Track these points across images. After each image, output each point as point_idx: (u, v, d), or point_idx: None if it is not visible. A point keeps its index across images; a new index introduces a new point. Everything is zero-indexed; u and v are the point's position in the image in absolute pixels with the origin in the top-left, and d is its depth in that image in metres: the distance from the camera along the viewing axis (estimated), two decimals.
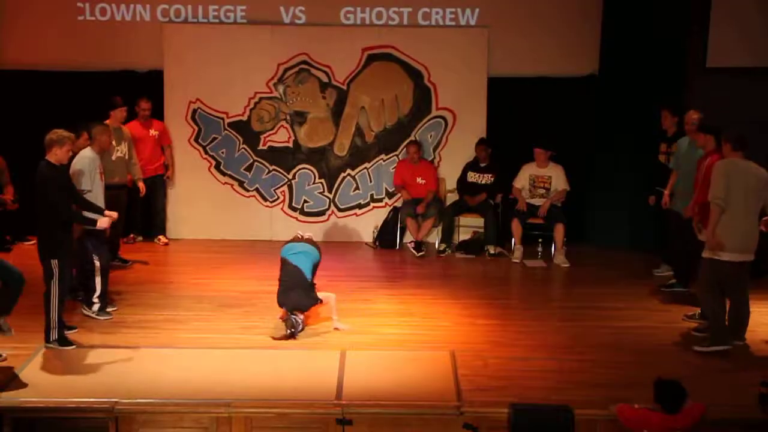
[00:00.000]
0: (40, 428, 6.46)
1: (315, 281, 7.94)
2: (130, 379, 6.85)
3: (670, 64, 10.57)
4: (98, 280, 8.11)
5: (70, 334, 7.61)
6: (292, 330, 7.65)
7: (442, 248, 10.76)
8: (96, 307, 8.15)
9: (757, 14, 10.58)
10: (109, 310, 8.33)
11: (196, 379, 6.90)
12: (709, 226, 7.41)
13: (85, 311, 8.16)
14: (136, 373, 6.98)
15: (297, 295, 7.74)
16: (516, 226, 10.45)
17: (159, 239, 10.94)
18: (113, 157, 9.64)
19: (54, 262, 7.31)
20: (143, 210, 10.86)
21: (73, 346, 7.46)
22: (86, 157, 8.14)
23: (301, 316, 7.78)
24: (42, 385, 6.76)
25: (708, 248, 7.47)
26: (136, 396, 6.55)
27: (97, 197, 8.09)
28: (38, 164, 7.37)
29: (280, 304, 7.83)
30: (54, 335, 7.41)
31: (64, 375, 6.97)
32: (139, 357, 7.32)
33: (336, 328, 7.90)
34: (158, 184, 10.85)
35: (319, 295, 7.85)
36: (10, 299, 7.13)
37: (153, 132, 10.69)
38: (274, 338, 7.67)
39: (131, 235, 10.86)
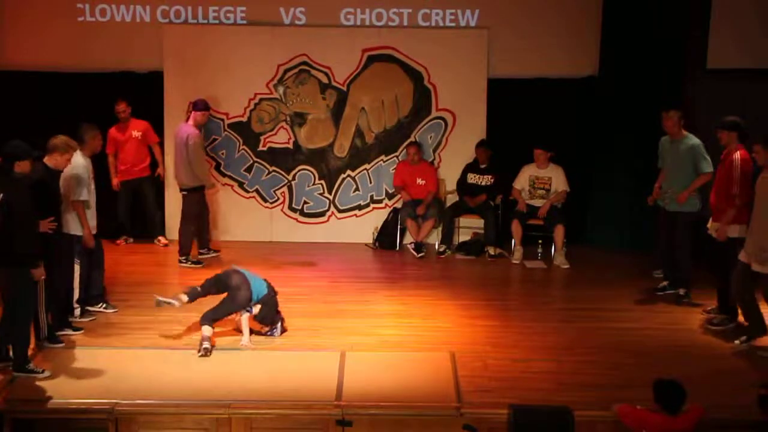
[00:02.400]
0: (40, 429, 6.47)
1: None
2: (130, 380, 6.85)
3: (669, 66, 10.57)
4: (76, 286, 8.06)
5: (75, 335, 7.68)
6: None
7: (442, 249, 10.76)
8: (77, 311, 8.12)
9: (756, 16, 10.57)
10: (109, 311, 8.35)
11: (196, 380, 6.90)
12: None
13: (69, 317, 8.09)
14: (136, 373, 6.99)
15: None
16: (516, 227, 10.45)
17: (159, 240, 10.93)
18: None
19: (40, 261, 7.26)
20: (134, 212, 10.87)
21: (62, 344, 7.49)
22: (80, 164, 7.92)
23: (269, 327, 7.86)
24: (42, 385, 6.76)
25: None
26: (135, 397, 6.56)
27: (91, 205, 8.05)
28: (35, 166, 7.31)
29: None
30: (44, 333, 7.44)
31: (64, 375, 6.97)
32: (139, 358, 7.32)
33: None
34: (147, 185, 10.84)
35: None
36: None
37: (135, 133, 10.67)
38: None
39: (123, 238, 10.87)
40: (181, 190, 10.12)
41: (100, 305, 8.37)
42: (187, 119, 10.21)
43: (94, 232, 8.09)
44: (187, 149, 9.87)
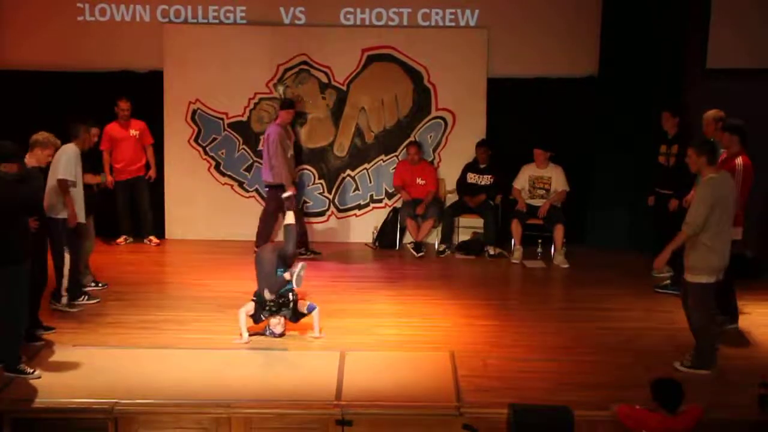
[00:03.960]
0: (40, 428, 6.46)
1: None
2: (130, 380, 6.85)
3: (669, 65, 10.57)
4: (66, 274, 8.11)
5: (49, 335, 7.64)
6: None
7: (441, 249, 10.76)
8: (64, 299, 8.18)
9: (756, 15, 10.57)
10: (91, 287, 8.52)
11: (196, 379, 6.90)
12: (669, 246, 6.98)
13: (53, 306, 8.15)
14: (136, 373, 6.98)
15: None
16: (516, 227, 10.46)
17: (150, 240, 10.92)
18: (288, 155, 10.16)
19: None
20: (129, 212, 10.87)
21: (41, 342, 7.47)
22: (71, 150, 8.13)
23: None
24: (42, 385, 6.75)
25: (655, 268, 7.00)
26: (135, 396, 6.55)
27: (78, 193, 8.16)
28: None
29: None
30: None
31: (64, 375, 6.97)
32: (139, 357, 7.32)
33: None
34: (142, 185, 10.84)
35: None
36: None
37: (133, 132, 10.70)
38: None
39: (123, 237, 10.87)
40: (265, 186, 10.42)
41: (81, 298, 8.46)
42: (276, 118, 10.39)
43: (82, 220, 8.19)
44: (268, 146, 10.08)
